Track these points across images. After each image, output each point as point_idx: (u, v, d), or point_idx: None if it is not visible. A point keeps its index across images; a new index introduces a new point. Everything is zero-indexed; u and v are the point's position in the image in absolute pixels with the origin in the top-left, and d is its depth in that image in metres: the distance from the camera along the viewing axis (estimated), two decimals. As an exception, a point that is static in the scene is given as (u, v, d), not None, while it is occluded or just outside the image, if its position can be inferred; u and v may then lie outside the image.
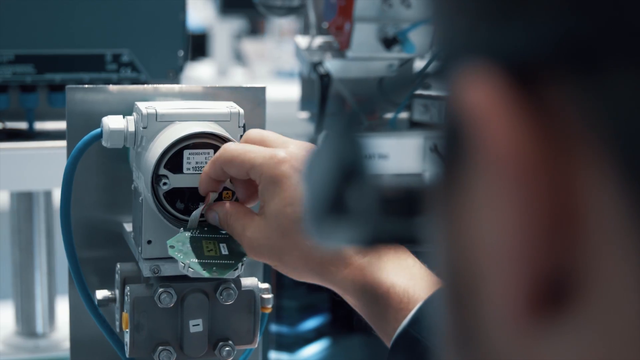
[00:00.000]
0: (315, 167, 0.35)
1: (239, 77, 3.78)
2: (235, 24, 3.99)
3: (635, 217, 0.26)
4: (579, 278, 0.27)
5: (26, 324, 1.40)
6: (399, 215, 0.34)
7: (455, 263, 0.31)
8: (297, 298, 1.28)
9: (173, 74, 1.29)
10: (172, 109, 0.85)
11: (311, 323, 1.30)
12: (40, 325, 1.40)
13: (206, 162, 0.83)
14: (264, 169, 0.79)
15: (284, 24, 3.90)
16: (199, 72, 3.97)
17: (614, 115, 0.26)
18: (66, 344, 1.38)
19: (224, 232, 0.83)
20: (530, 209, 0.27)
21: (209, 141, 0.83)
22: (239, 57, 4.05)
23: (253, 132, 0.84)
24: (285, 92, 2.22)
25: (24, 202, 1.36)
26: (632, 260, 0.26)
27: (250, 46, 4.00)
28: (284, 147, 0.81)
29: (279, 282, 1.15)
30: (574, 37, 0.26)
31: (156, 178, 0.82)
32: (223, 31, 3.93)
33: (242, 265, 0.81)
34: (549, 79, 0.27)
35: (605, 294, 0.27)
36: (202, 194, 0.83)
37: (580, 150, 0.27)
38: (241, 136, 0.86)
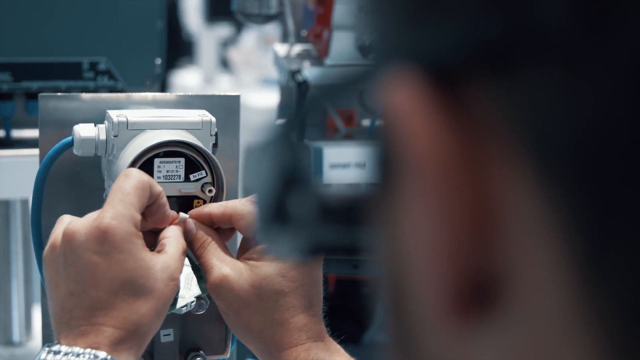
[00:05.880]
0: (256, 175, 0.35)
1: (224, 85, 3.78)
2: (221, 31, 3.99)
3: (550, 213, 0.26)
4: (502, 278, 0.27)
5: (3, 332, 1.40)
6: (340, 224, 0.34)
7: (390, 268, 0.31)
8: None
9: (150, 82, 1.28)
10: (144, 117, 0.85)
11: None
12: (17, 334, 1.40)
13: (177, 171, 0.82)
14: None
15: (269, 31, 3.90)
16: (185, 80, 3.97)
17: (526, 112, 0.26)
18: (43, 353, 1.37)
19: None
20: (448, 210, 0.27)
21: (180, 150, 0.82)
22: (225, 65, 4.05)
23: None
24: (271, 100, 2.22)
25: (1, 210, 1.36)
26: (550, 258, 0.26)
27: (236, 54, 4.00)
28: None
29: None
30: (485, 39, 0.27)
31: (127, 187, 0.81)
32: (209, 39, 3.93)
33: (192, 303, 0.79)
34: (465, 80, 0.27)
35: (527, 293, 0.27)
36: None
37: (497, 148, 0.27)
38: (213, 144, 0.85)
